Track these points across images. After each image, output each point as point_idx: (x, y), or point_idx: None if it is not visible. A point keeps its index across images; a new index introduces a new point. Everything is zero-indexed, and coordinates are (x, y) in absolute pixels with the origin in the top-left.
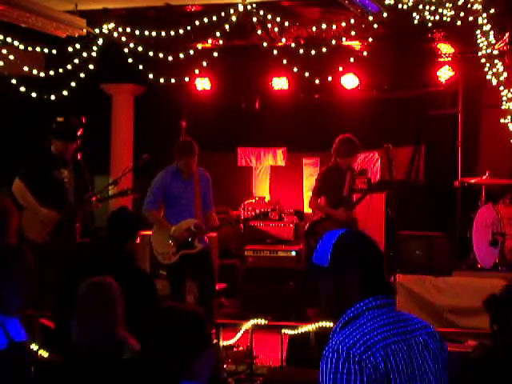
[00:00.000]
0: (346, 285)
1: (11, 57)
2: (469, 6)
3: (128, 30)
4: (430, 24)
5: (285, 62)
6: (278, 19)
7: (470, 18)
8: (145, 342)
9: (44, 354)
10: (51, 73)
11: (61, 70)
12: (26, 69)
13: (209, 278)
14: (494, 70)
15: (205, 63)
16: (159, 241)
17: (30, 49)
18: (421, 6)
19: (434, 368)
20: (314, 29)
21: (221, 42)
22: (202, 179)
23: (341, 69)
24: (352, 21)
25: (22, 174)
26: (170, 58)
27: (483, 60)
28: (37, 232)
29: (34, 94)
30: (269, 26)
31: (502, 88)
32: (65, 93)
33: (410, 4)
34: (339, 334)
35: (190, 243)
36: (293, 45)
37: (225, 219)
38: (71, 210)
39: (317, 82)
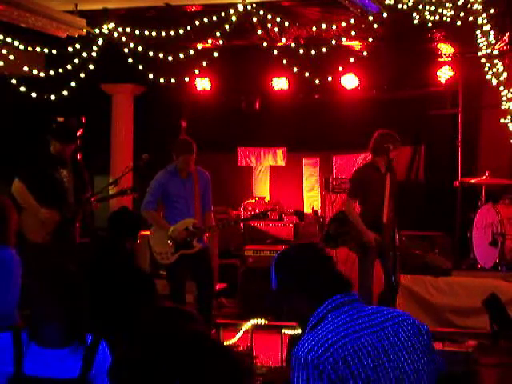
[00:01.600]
0: (296, 297)
1: (11, 57)
2: (469, 5)
3: (128, 30)
4: (430, 24)
5: (285, 62)
6: (278, 19)
7: (470, 18)
8: (144, 342)
9: None
10: (51, 73)
11: (61, 70)
12: (25, 69)
13: (207, 277)
14: (494, 70)
15: (205, 63)
16: (158, 241)
17: (30, 49)
18: (421, 6)
19: (410, 356)
20: (314, 29)
21: (221, 42)
22: (201, 178)
23: (341, 69)
24: (352, 21)
25: (21, 174)
26: (170, 58)
27: (483, 60)
28: (37, 232)
29: (34, 94)
30: (269, 25)
31: (501, 88)
32: (65, 93)
33: (410, 4)
34: (302, 340)
35: (189, 243)
36: (293, 45)
37: (224, 219)
38: (71, 210)
39: (317, 82)
